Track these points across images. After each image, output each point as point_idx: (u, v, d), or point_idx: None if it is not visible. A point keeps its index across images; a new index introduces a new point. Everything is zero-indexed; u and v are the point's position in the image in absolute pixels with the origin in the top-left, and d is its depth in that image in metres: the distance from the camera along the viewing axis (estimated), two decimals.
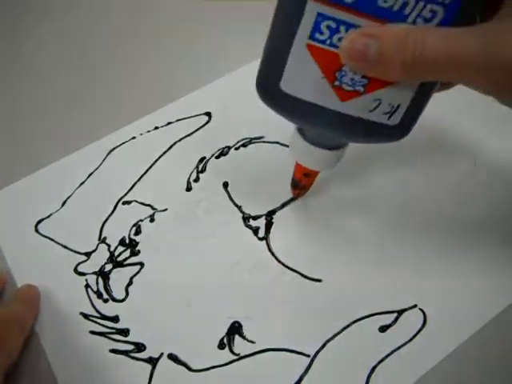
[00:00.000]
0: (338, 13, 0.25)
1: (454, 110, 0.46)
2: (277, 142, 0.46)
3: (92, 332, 0.38)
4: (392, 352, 0.35)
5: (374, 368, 0.34)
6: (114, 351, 0.37)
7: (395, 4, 0.24)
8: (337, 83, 0.27)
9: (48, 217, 0.44)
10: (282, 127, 0.46)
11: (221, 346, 0.36)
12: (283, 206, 0.42)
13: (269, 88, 0.29)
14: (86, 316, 0.38)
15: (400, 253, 0.39)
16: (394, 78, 0.25)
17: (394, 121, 0.28)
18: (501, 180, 0.42)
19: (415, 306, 0.36)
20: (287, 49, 0.27)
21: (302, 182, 0.39)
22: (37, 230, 0.43)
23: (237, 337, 0.36)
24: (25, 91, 0.53)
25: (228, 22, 0.57)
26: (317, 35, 0.26)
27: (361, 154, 0.42)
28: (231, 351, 0.36)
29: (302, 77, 0.28)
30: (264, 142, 0.46)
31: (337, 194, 0.42)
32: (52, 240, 0.42)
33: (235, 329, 0.37)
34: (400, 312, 0.36)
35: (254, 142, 0.46)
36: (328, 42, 0.26)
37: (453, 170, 0.43)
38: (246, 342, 0.36)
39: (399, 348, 0.35)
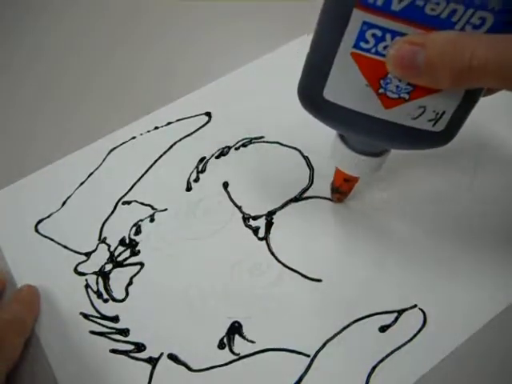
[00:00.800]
0: (384, 21, 0.24)
1: None
2: (277, 142, 0.46)
3: (92, 332, 0.38)
4: (392, 352, 0.35)
5: (374, 368, 0.34)
6: (114, 351, 0.37)
7: (443, 11, 0.23)
8: (381, 91, 0.27)
9: (48, 217, 0.43)
10: (282, 127, 0.46)
11: (221, 345, 0.36)
12: (283, 206, 0.42)
13: (311, 96, 0.29)
14: (86, 316, 0.38)
15: (400, 253, 0.39)
16: (442, 85, 0.25)
17: (438, 127, 0.28)
18: (501, 180, 0.42)
19: (415, 305, 0.36)
20: (331, 58, 0.27)
21: (342, 188, 0.39)
22: (37, 230, 0.43)
23: (237, 337, 0.36)
24: (25, 91, 0.53)
25: (228, 22, 0.56)
26: (361, 44, 0.26)
27: None
28: (231, 351, 0.36)
29: (346, 85, 0.27)
30: (264, 141, 0.46)
31: None
32: (52, 240, 0.42)
33: (235, 329, 0.37)
34: (400, 312, 0.36)
35: (254, 142, 0.46)
36: (373, 50, 0.26)
37: (452, 169, 0.43)
38: (245, 341, 0.36)
39: (399, 348, 0.35)
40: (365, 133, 0.30)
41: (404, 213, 0.41)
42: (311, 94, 0.29)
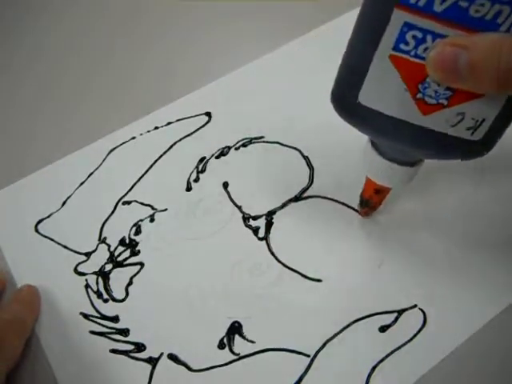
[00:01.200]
0: (426, 22, 0.24)
1: None
2: (277, 142, 0.46)
3: (92, 332, 0.38)
4: (392, 352, 0.35)
5: (374, 368, 0.34)
6: (114, 351, 0.37)
7: (488, 13, 0.22)
8: (419, 96, 0.26)
9: (48, 217, 0.43)
10: (282, 127, 0.46)
11: (221, 345, 0.36)
12: (283, 206, 0.42)
13: (346, 100, 0.29)
14: (86, 316, 0.38)
15: (400, 252, 0.39)
16: (485, 90, 0.24)
17: (477, 136, 0.27)
18: (502, 181, 0.42)
19: (415, 306, 0.36)
20: (368, 60, 0.26)
21: (372, 200, 0.38)
22: (37, 230, 0.43)
23: (237, 337, 0.36)
24: (25, 91, 0.53)
25: (228, 22, 0.56)
26: (401, 46, 0.25)
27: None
28: (231, 351, 0.36)
29: (383, 89, 0.27)
30: (264, 141, 0.46)
31: (336, 194, 0.42)
32: (52, 240, 0.42)
33: (235, 329, 0.37)
34: (400, 312, 0.36)
35: (254, 142, 0.46)
36: (412, 52, 0.25)
37: (455, 170, 0.43)
38: (245, 341, 0.36)
39: (399, 348, 0.35)
40: (400, 140, 0.29)
41: (405, 213, 0.41)
42: (345, 98, 0.28)
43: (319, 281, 0.38)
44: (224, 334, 0.36)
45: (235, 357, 0.36)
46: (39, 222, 0.43)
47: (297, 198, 0.42)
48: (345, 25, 0.51)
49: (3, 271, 0.41)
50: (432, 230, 0.40)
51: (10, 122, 0.51)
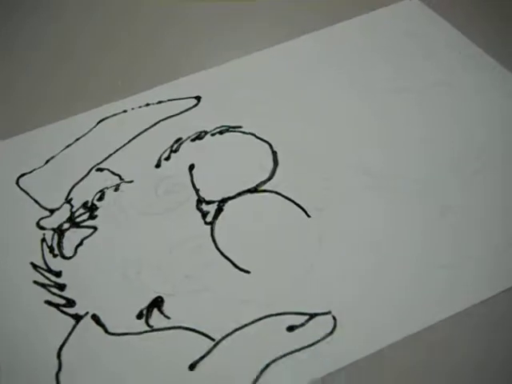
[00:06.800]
0: None
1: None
2: (252, 134, 0.47)
3: (35, 282, 0.40)
4: (291, 352, 0.34)
5: (268, 364, 0.34)
6: (48, 302, 0.39)
7: None
8: None
9: (30, 172, 0.47)
10: (262, 120, 0.47)
11: (139, 316, 0.38)
12: (238, 195, 0.43)
13: None
14: (34, 266, 0.41)
15: (333, 260, 0.39)
16: None
17: None
18: None
19: (329, 312, 0.36)
20: None
21: None
22: (17, 183, 0.46)
23: (155, 310, 0.38)
24: (35, 56, 0.58)
25: (233, 18, 0.59)
26: None
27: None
28: (147, 323, 0.37)
29: None
30: (240, 131, 0.47)
31: (292, 194, 0.43)
32: (27, 194, 0.45)
33: (157, 303, 0.38)
34: (312, 315, 0.36)
35: (231, 131, 0.47)
36: None
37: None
38: (162, 316, 0.37)
39: (300, 349, 0.34)
40: None
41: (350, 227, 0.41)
42: None
43: (247, 272, 0.39)
44: (145, 306, 0.38)
45: (148, 328, 0.37)
46: (22, 175, 0.47)
47: (252, 190, 0.43)
48: (345, 32, 0.51)
49: None
50: (371, 247, 0.39)
51: (19, 83, 0.56)
